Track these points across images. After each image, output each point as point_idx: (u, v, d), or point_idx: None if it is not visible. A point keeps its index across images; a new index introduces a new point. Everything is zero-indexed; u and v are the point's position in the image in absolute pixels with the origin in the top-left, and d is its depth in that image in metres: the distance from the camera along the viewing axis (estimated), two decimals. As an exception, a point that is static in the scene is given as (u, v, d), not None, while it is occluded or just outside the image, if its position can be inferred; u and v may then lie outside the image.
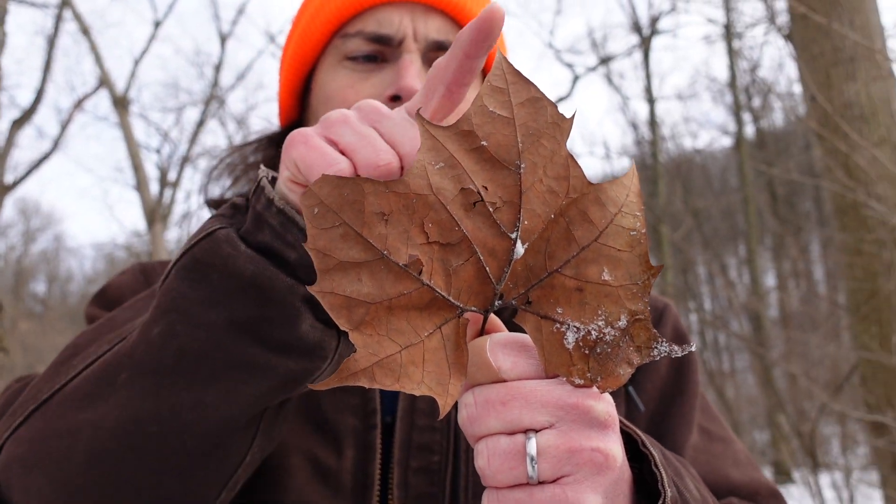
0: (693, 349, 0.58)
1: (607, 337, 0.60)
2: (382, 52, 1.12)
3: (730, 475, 0.96)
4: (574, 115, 0.61)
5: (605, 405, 0.59)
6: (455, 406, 0.95)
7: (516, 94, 0.62)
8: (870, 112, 5.45)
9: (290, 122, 1.26)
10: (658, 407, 1.02)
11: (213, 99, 15.67)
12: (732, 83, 15.66)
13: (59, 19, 13.29)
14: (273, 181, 0.77)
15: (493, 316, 0.63)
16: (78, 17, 13.54)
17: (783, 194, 16.64)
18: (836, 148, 5.30)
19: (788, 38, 8.35)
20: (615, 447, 0.59)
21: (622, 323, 0.60)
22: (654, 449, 0.69)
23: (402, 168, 0.67)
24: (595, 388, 0.59)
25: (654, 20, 15.62)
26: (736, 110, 15.60)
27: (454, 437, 0.94)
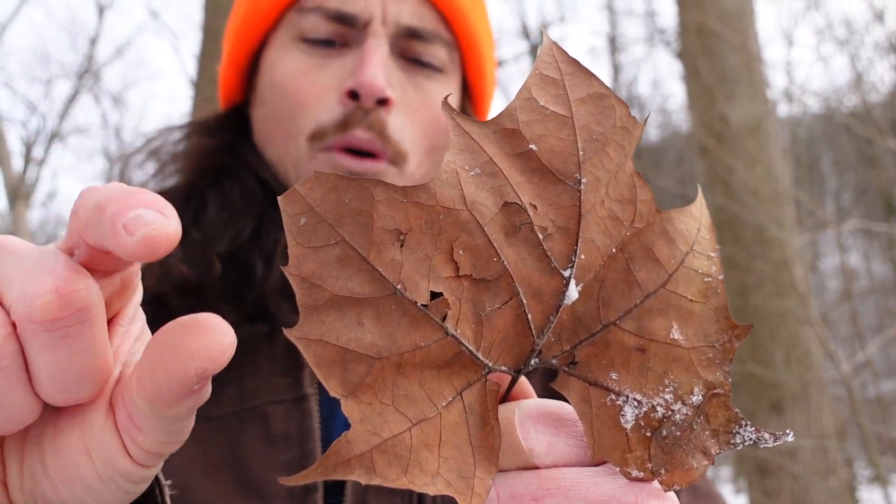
0: (790, 438, 0.45)
1: (677, 416, 0.46)
2: (343, 34, 0.93)
3: None
4: (647, 120, 0.47)
5: None
6: None
7: (574, 88, 0.46)
8: (749, 132, 5.72)
9: (232, 103, 1.04)
10: None
11: (88, 73, 14.45)
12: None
13: None
14: None
15: (521, 378, 0.48)
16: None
17: (660, 204, 17.43)
18: (718, 164, 5.52)
19: (679, 56, 8.68)
20: None
21: (696, 398, 0.46)
22: None
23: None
24: (657, 484, 0.45)
25: (542, 28, 15.78)
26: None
27: None
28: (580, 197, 0.45)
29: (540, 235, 0.45)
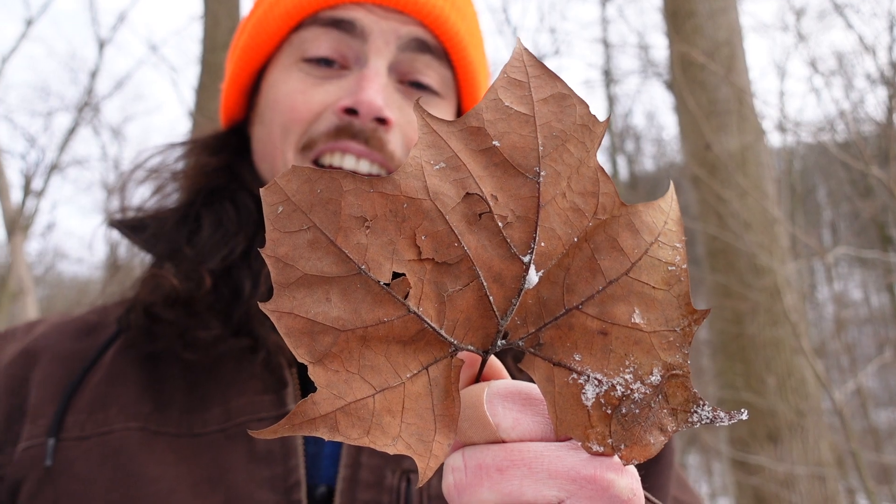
0: (744, 417, 0.47)
1: (636, 395, 0.48)
2: (343, 53, 0.96)
3: None
4: (609, 119, 0.50)
5: (628, 480, 0.47)
6: (406, 475, 0.79)
7: (539, 89, 0.50)
8: (740, 162, 5.77)
9: (233, 121, 1.08)
10: None
11: (87, 106, 14.56)
12: (609, 126, 16.37)
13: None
14: None
15: (493, 358, 0.50)
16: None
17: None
18: (710, 194, 5.55)
19: (669, 87, 8.76)
20: None
21: (655, 378, 0.48)
22: None
23: None
24: (617, 458, 0.47)
25: (517, 36, 16.02)
26: (612, 152, 16.31)
27: None
28: (539, 189, 0.48)
29: (500, 224, 0.47)
